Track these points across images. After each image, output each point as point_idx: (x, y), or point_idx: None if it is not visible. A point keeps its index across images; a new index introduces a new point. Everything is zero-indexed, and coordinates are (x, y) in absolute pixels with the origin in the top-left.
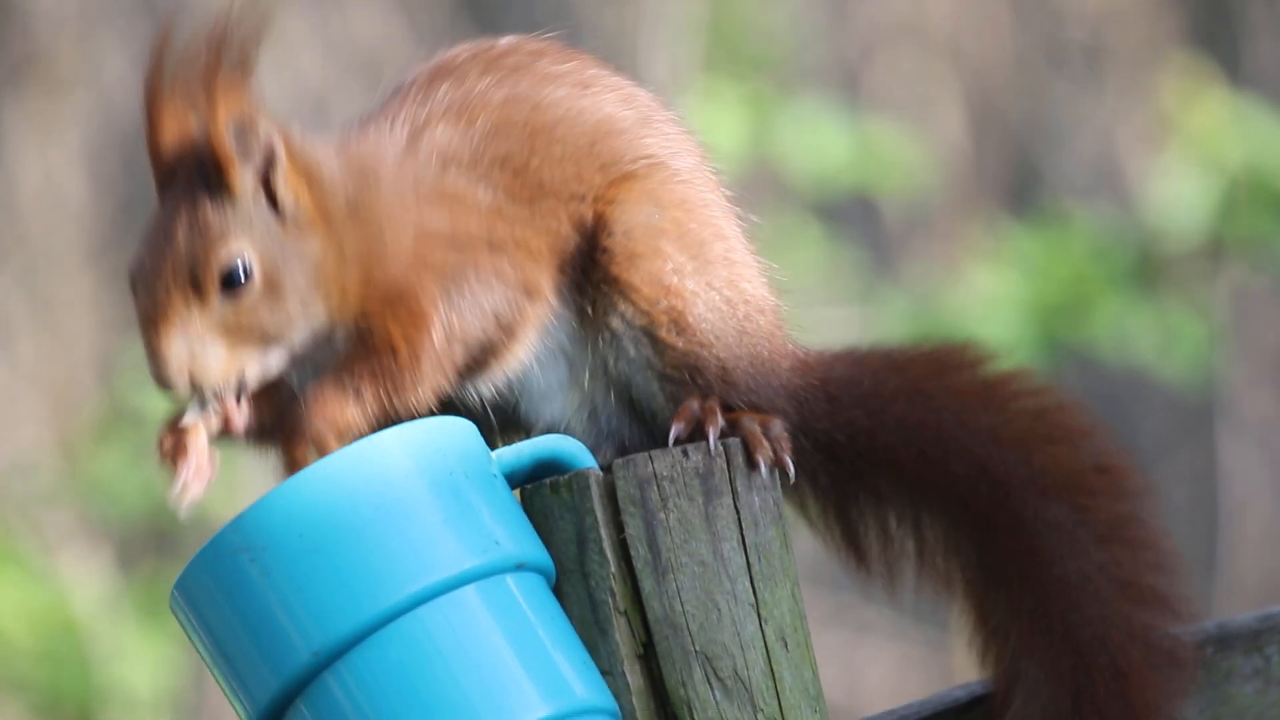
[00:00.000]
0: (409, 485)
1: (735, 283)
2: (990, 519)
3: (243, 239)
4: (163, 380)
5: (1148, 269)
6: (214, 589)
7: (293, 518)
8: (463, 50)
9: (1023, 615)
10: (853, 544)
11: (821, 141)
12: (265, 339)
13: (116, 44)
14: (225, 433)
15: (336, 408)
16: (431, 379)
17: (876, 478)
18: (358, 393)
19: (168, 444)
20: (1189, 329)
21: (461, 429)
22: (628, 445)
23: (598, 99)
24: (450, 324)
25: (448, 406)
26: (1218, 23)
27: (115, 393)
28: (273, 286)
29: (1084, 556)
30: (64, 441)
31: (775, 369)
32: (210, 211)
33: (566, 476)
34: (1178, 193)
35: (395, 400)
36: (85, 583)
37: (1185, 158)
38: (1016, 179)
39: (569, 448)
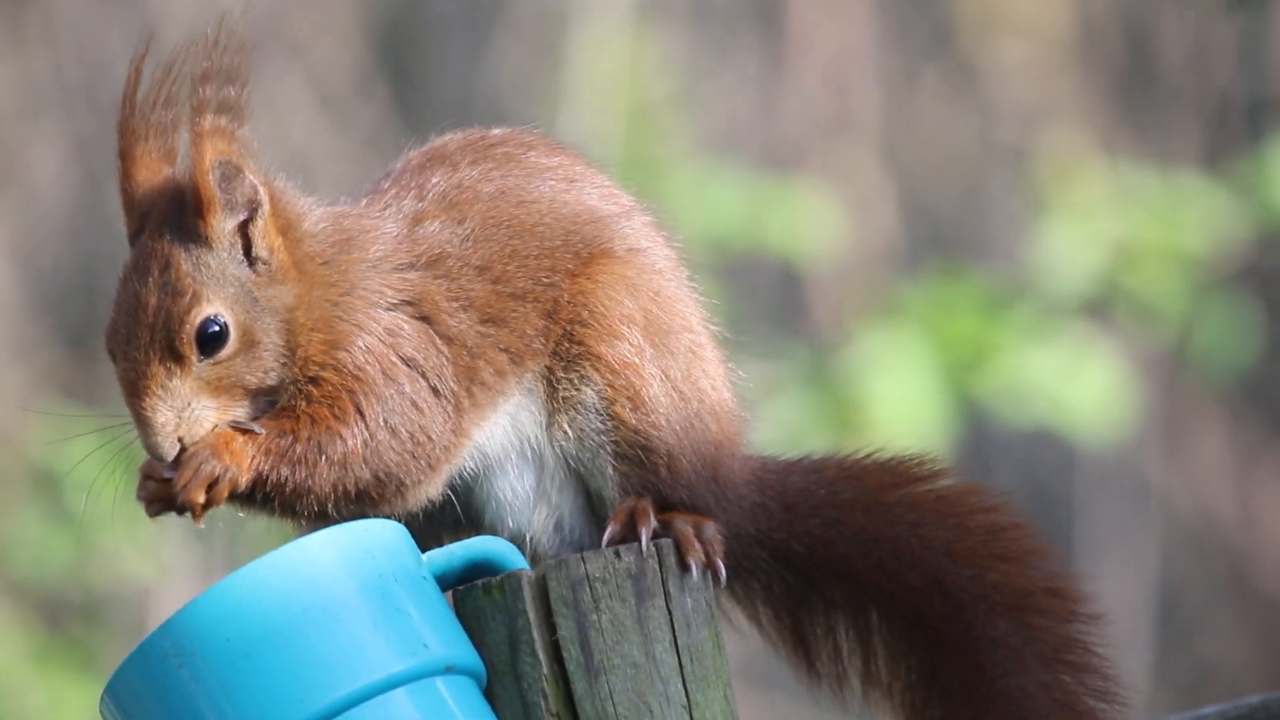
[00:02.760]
0: (338, 588)
1: (694, 379)
2: (941, 631)
3: (216, 300)
4: (156, 451)
5: (1049, 327)
6: (144, 693)
7: (221, 621)
8: (454, 138)
9: None
10: (803, 651)
11: (717, 194)
12: (246, 391)
13: (47, 142)
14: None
15: (240, 459)
16: (323, 490)
17: (831, 587)
18: (253, 460)
19: (146, 489)
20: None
21: (391, 531)
22: None
23: (581, 193)
24: (373, 439)
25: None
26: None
27: (36, 460)
28: (249, 341)
29: (1028, 674)
30: None
31: (724, 473)
32: (183, 266)
33: (499, 578)
34: (1065, 248)
35: (278, 490)
36: (9, 639)
37: (1071, 217)
38: (916, 234)
39: (500, 549)
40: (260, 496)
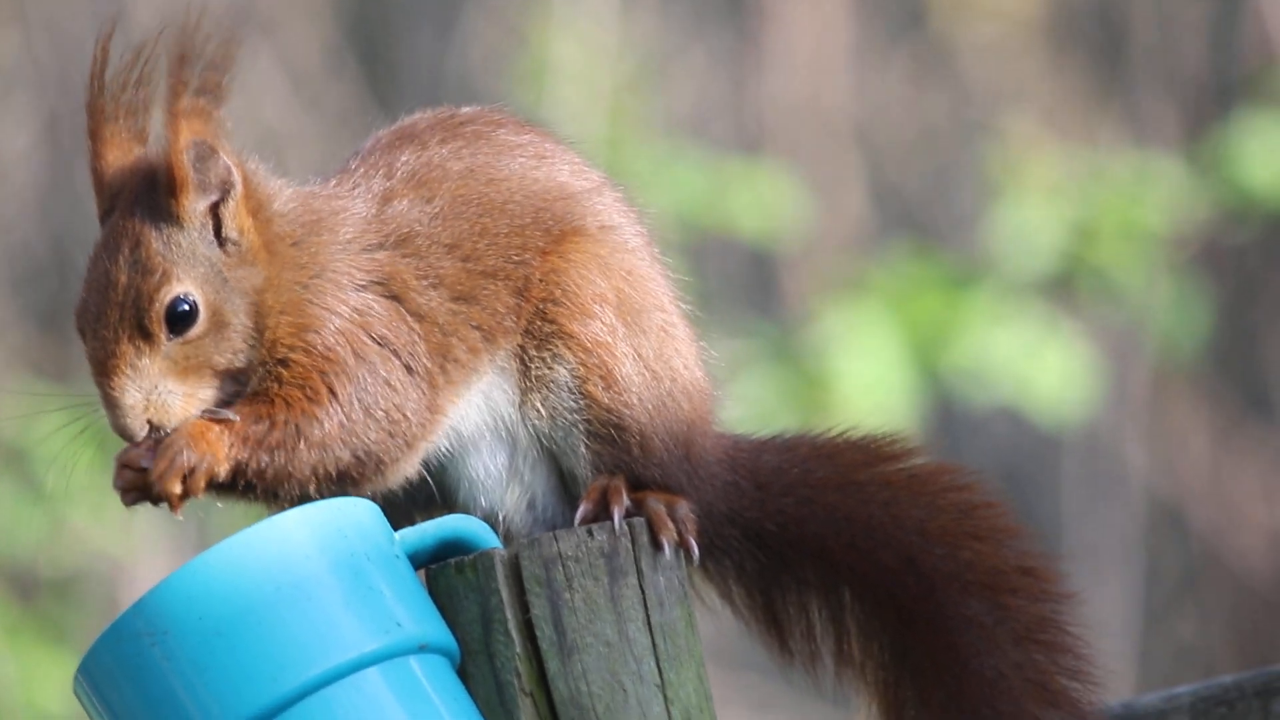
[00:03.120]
0: (310, 566)
1: (666, 358)
2: (914, 610)
3: (186, 279)
4: (124, 431)
5: (1008, 300)
6: (117, 673)
7: (194, 600)
8: (423, 117)
9: (933, 707)
10: (776, 630)
11: (684, 172)
12: (215, 372)
13: (16, 120)
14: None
15: (216, 450)
16: (303, 472)
17: (803, 565)
18: (230, 449)
19: (122, 478)
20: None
21: (363, 510)
22: None
23: (551, 169)
24: (348, 418)
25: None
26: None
27: (5, 437)
28: (218, 322)
29: (1000, 654)
30: None
31: (696, 452)
32: (153, 245)
33: (471, 556)
34: (1028, 226)
35: (258, 476)
36: None
37: (1035, 195)
38: (881, 212)
39: (473, 528)
40: (241, 484)
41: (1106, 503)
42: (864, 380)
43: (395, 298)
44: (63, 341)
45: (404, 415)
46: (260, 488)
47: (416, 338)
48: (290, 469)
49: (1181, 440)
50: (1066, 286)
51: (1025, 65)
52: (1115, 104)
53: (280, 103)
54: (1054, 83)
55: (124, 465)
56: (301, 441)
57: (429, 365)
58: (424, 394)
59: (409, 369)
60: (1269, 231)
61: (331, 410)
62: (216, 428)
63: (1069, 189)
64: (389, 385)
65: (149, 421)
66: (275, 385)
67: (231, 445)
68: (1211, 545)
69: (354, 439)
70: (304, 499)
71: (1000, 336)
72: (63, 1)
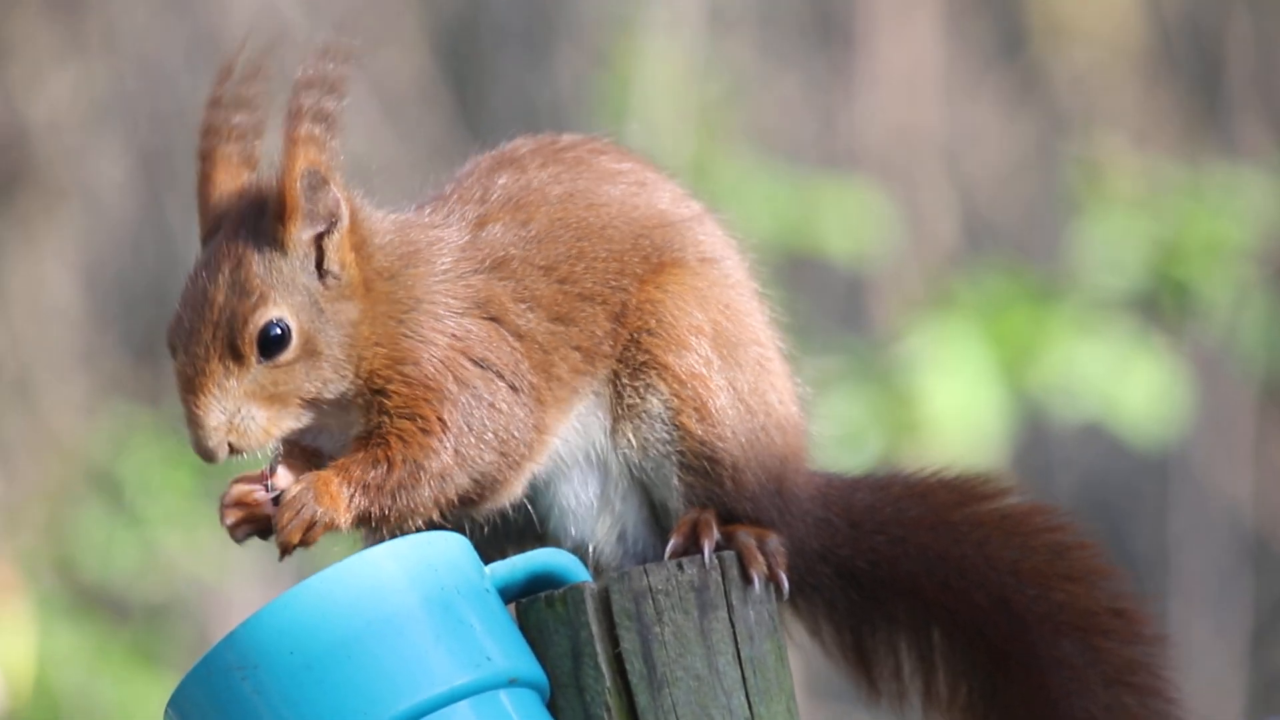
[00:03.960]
0: (401, 600)
1: (761, 392)
2: (1005, 651)
3: (283, 304)
4: (203, 451)
5: (1095, 318)
6: (207, 706)
7: (285, 634)
8: (524, 142)
9: None
10: (864, 667)
11: (776, 191)
12: (301, 401)
13: (111, 153)
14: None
15: (337, 503)
16: (427, 505)
17: (895, 604)
18: (351, 499)
19: (231, 521)
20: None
21: (453, 543)
22: None
23: (652, 197)
24: (461, 444)
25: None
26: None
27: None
28: (310, 351)
29: (1091, 696)
30: (59, 551)
31: (789, 487)
32: (254, 268)
33: (561, 590)
34: (1117, 243)
35: (384, 519)
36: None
37: (1123, 212)
38: (971, 233)
39: (563, 561)
40: (365, 529)
41: (1199, 527)
42: (952, 398)
43: (494, 319)
44: (156, 372)
45: (513, 435)
46: (385, 528)
47: (519, 356)
48: (414, 504)
49: (1269, 458)
50: (1154, 303)
51: (1118, 83)
52: (1206, 120)
53: (371, 131)
54: (1147, 99)
55: (235, 503)
56: (421, 475)
57: (534, 381)
58: (530, 411)
59: (514, 388)
60: None
61: (445, 440)
62: (337, 479)
63: (1158, 205)
64: (494, 407)
65: (229, 444)
66: (386, 420)
67: (353, 496)
68: None
69: (470, 465)
70: (430, 526)
71: (1087, 352)
72: (155, 35)
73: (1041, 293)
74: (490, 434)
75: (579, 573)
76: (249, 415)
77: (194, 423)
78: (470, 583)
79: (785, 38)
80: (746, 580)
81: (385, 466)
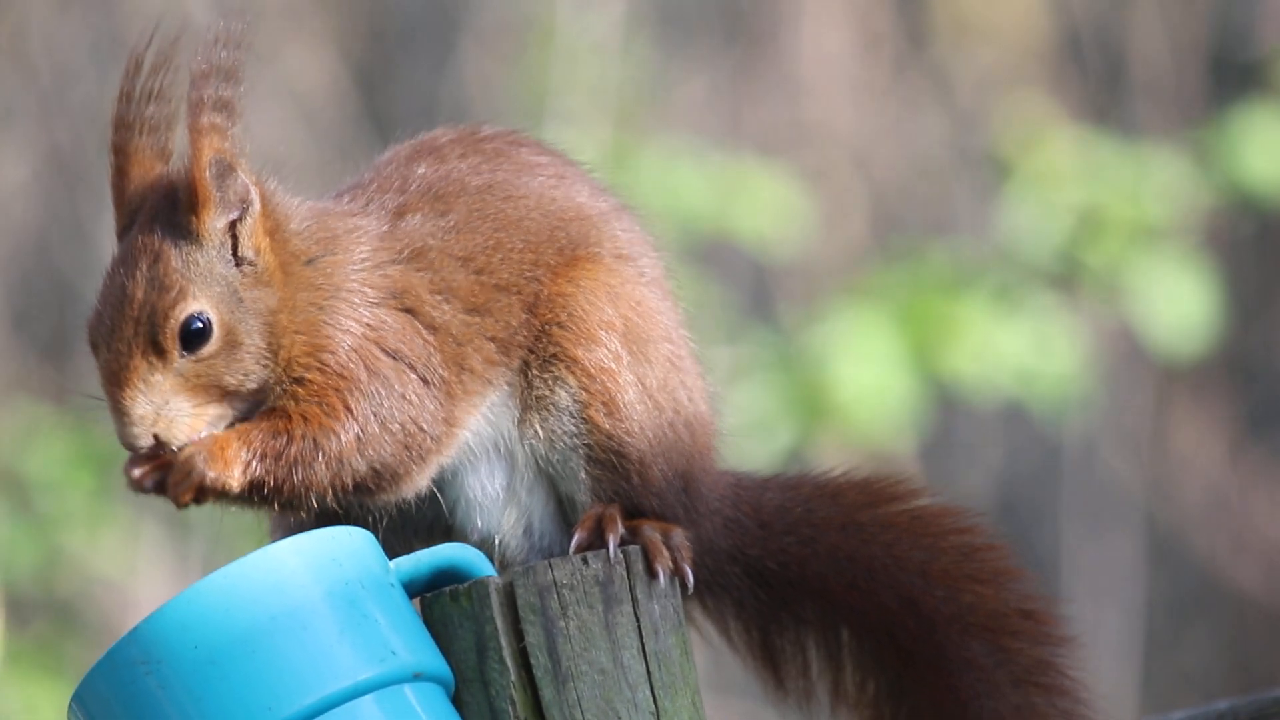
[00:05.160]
0: (304, 595)
1: (670, 389)
2: (914, 651)
3: (202, 296)
4: (129, 442)
5: (1009, 299)
6: (111, 701)
7: (188, 629)
8: (445, 132)
9: None
10: (772, 665)
11: (687, 179)
12: (225, 391)
13: (14, 151)
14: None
15: (231, 467)
16: (321, 484)
17: (803, 604)
18: (247, 464)
19: (139, 472)
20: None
21: (358, 538)
22: None
23: (570, 190)
24: (365, 432)
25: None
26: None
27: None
28: (231, 341)
29: (1000, 697)
30: None
31: (696, 485)
32: (172, 261)
33: (466, 585)
34: (1027, 223)
35: (276, 491)
36: None
37: (1034, 191)
38: (880, 223)
39: (468, 556)
40: (256, 497)
41: (1106, 504)
42: (864, 385)
43: (409, 310)
44: (61, 371)
45: (419, 428)
46: (276, 500)
47: (431, 349)
48: (308, 482)
49: (1186, 451)
50: (1067, 283)
51: (1021, 54)
52: (1110, 110)
53: (279, 131)
54: (1048, 73)
55: (141, 459)
56: (319, 455)
57: (445, 375)
58: (440, 405)
59: (425, 380)
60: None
61: (348, 424)
62: (235, 443)
63: (1065, 180)
64: (404, 399)
65: (155, 435)
66: (292, 402)
67: (249, 461)
68: (1215, 567)
69: (370, 451)
70: (320, 509)
71: (1000, 334)
72: (60, 34)
73: (952, 279)
74: (397, 425)
75: (484, 567)
76: (175, 408)
77: (120, 415)
78: (374, 577)
79: (695, 34)
80: (651, 574)
81: (285, 438)
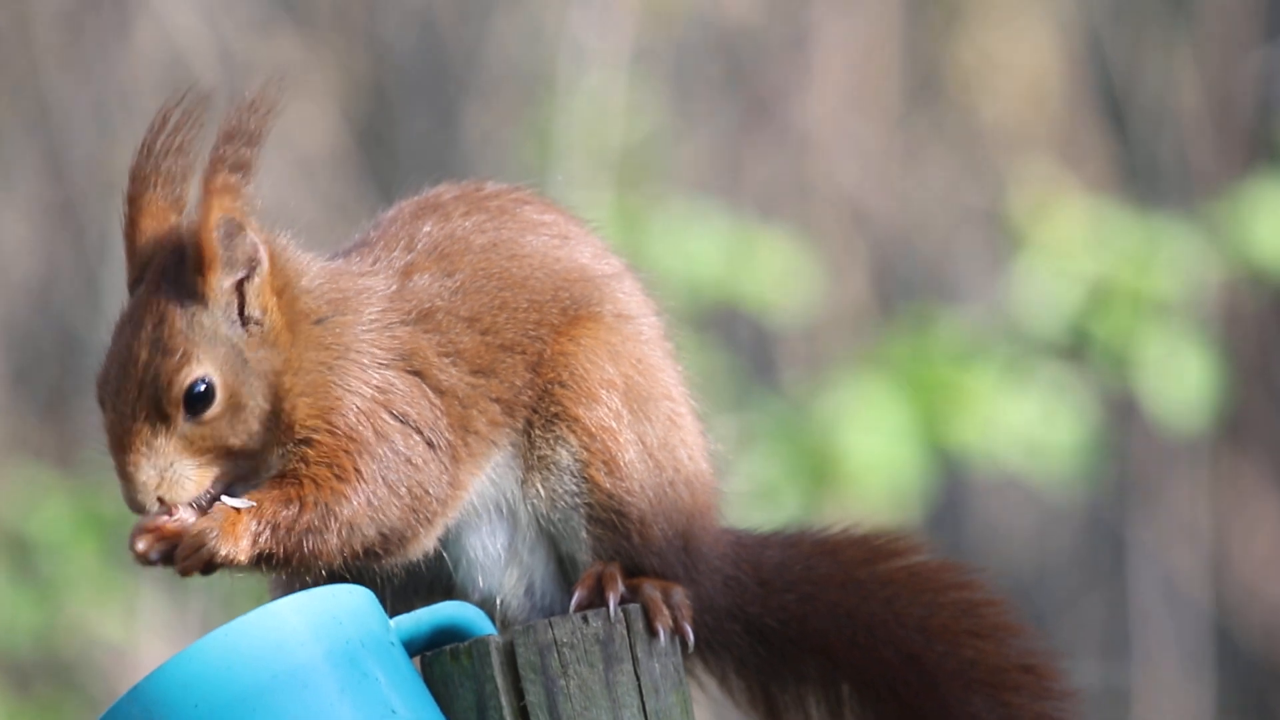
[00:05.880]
0: (305, 654)
1: (671, 447)
2: (915, 707)
3: (206, 361)
4: (135, 505)
5: (1023, 373)
6: None
7: (189, 688)
8: (448, 189)
9: None
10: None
11: (694, 245)
12: (230, 453)
13: (16, 208)
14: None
15: (240, 541)
16: (331, 551)
17: (804, 661)
18: (256, 536)
19: (143, 544)
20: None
21: (358, 596)
22: None
23: (574, 250)
24: (374, 496)
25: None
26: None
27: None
28: (235, 404)
29: None
30: None
31: (696, 543)
32: (176, 323)
33: (466, 643)
34: (1037, 294)
35: (287, 559)
36: None
37: (1045, 262)
38: (887, 287)
39: (468, 614)
40: (264, 567)
41: (1109, 573)
42: (871, 454)
43: (417, 373)
44: (64, 430)
45: (425, 491)
46: (285, 569)
47: (439, 413)
48: (317, 550)
49: (1184, 507)
50: (1076, 354)
51: (1034, 125)
52: (1122, 171)
53: (282, 190)
54: (1060, 143)
55: (145, 530)
56: (331, 521)
57: (451, 439)
58: (446, 468)
59: (431, 444)
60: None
61: (359, 488)
62: (246, 517)
63: (1076, 250)
64: (410, 462)
65: (160, 498)
66: (302, 465)
67: (259, 533)
68: (1216, 617)
69: (380, 516)
70: (330, 575)
71: (1008, 405)
72: (63, 90)
73: (960, 349)
74: (404, 489)
75: (484, 626)
76: (180, 471)
77: (125, 478)
78: (375, 636)
79: (697, 91)
80: (652, 633)
81: (297, 506)
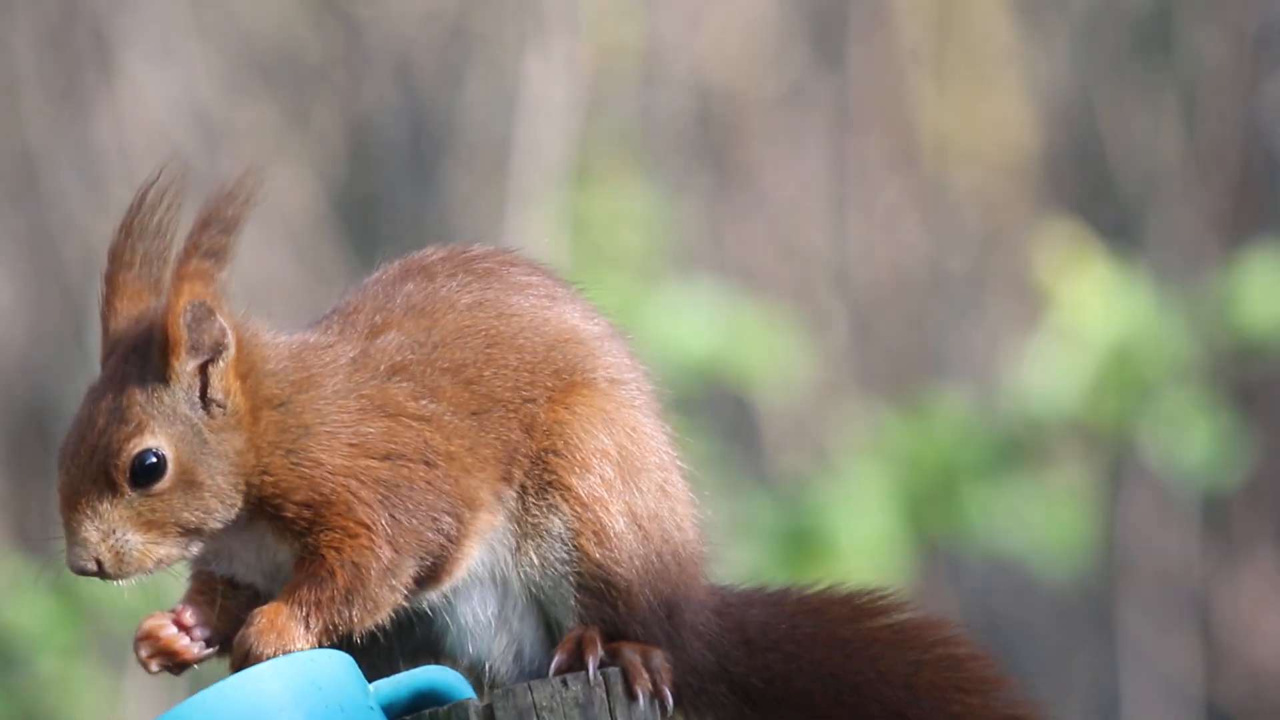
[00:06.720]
0: (284, 718)
1: (659, 518)
2: None
3: (160, 433)
4: (74, 566)
5: (1018, 454)
6: None
7: None
8: (434, 250)
9: None
10: None
11: (687, 326)
12: (182, 530)
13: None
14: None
15: (287, 635)
16: (383, 599)
17: None
18: (306, 621)
19: (145, 653)
20: (1064, 515)
21: (337, 661)
22: None
23: (563, 311)
24: (394, 535)
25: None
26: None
27: None
28: (189, 481)
29: None
30: None
31: (679, 613)
32: (136, 396)
33: (446, 707)
34: (1047, 375)
35: (348, 626)
36: None
37: (1059, 332)
38: (894, 365)
39: (448, 679)
40: (327, 642)
41: (1107, 659)
42: (861, 539)
43: (391, 415)
44: (43, 503)
45: (440, 506)
46: (354, 634)
47: (425, 434)
48: (369, 604)
49: (1192, 585)
50: (1069, 432)
51: (1015, 206)
52: (1108, 239)
53: (261, 256)
54: (1045, 220)
55: (146, 636)
56: (367, 576)
57: (450, 450)
58: (456, 483)
59: (428, 463)
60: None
61: (377, 538)
62: (286, 609)
63: (1074, 325)
64: (412, 486)
65: (97, 560)
66: (312, 540)
67: (308, 618)
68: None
69: (410, 549)
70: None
71: (1000, 488)
72: (43, 160)
73: (953, 429)
74: (415, 519)
75: (463, 690)
76: (123, 539)
77: (69, 538)
78: (354, 700)
79: (674, 160)
80: (631, 696)
81: (327, 576)
